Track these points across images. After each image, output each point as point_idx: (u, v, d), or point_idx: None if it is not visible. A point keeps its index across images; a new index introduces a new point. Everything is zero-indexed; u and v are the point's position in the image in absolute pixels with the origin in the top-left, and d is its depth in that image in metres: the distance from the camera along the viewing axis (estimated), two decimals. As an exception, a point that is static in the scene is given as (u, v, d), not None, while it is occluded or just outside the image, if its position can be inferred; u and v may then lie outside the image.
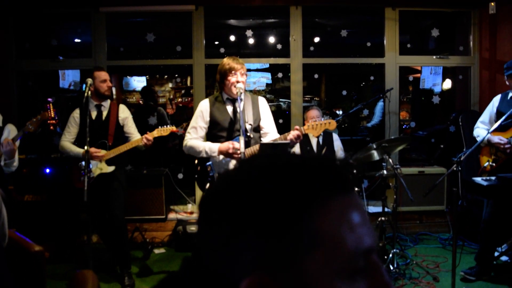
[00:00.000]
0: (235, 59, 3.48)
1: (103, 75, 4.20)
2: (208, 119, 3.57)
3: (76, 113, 4.29)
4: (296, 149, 4.98)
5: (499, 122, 3.74)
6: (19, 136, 3.81)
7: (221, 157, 3.45)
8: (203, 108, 3.60)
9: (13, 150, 3.72)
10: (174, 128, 4.05)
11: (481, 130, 4.32)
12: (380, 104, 6.44)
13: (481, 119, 4.42)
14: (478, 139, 4.16)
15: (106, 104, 4.31)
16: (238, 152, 3.18)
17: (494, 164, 4.11)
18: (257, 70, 9.29)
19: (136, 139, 4.15)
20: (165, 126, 4.07)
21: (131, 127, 4.38)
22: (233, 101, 3.51)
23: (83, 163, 3.91)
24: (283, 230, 0.56)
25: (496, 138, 4.05)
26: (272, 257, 0.56)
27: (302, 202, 0.57)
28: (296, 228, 0.56)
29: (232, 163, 3.45)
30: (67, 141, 4.19)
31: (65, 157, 4.74)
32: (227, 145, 3.33)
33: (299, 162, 0.62)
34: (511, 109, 3.84)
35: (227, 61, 3.46)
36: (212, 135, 3.59)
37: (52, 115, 7.84)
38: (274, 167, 0.61)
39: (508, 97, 4.21)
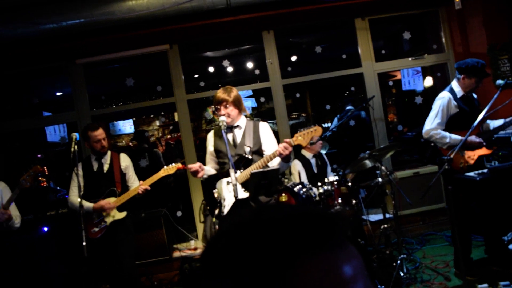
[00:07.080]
0: (222, 91, 3.56)
1: (96, 135, 4.16)
2: (212, 149, 3.73)
3: (79, 168, 4.26)
4: (298, 166, 5.02)
5: (478, 119, 3.75)
6: (15, 195, 3.78)
7: (225, 182, 3.44)
8: (208, 138, 3.82)
9: (8, 217, 3.72)
10: (179, 165, 4.16)
11: (451, 134, 4.07)
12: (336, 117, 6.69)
13: (438, 121, 4.08)
14: (447, 140, 4.01)
15: (107, 156, 4.36)
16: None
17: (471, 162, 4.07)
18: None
19: (134, 188, 4.17)
20: (170, 165, 4.15)
21: (131, 177, 4.43)
22: (231, 128, 3.61)
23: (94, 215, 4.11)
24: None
25: (474, 138, 3.99)
26: None
27: (283, 262, 0.56)
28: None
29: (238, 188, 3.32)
30: (75, 196, 4.15)
31: (67, 213, 4.81)
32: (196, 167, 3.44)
33: (282, 219, 0.60)
34: (468, 106, 4.01)
35: (216, 94, 3.57)
36: (218, 162, 3.72)
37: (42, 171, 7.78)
38: (257, 226, 0.60)
39: (458, 96, 4.12)
